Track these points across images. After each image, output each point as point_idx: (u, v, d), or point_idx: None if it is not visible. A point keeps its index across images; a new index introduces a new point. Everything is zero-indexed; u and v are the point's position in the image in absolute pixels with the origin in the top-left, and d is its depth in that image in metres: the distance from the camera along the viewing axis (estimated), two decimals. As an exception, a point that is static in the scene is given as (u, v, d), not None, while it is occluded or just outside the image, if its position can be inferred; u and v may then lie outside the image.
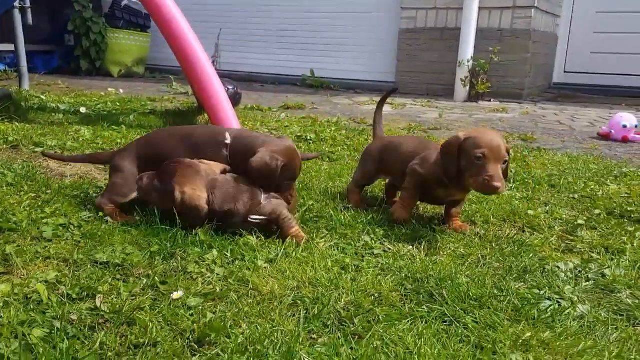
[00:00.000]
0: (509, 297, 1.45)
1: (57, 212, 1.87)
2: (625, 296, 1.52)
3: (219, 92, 3.50)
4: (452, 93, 6.14)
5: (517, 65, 5.99)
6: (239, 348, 1.16)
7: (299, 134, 3.56)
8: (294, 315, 1.32)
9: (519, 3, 5.85)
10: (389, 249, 1.77)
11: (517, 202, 2.33)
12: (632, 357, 1.22)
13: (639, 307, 1.45)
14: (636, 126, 3.82)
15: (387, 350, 1.20)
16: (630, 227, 2.06)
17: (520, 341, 1.25)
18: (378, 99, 5.84)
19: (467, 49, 5.97)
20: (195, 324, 1.24)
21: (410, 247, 1.79)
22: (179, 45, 3.44)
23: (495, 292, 1.48)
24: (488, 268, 1.66)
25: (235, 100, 4.26)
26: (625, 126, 3.78)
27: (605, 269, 1.69)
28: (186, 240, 1.68)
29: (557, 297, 1.49)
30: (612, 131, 3.84)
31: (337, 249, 1.74)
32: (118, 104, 4.54)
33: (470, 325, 1.32)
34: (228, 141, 1.97)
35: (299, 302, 1.38)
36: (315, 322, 1.29)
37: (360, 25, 6.96)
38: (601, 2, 6.60)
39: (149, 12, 3.43)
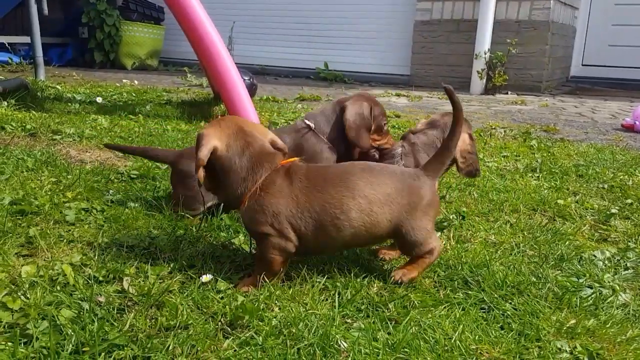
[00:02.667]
0: (548, 285, 1.40)
1: (79, 196, 1.84)
2: (668, 285, 1.46)
3: (237, 81, 3.46)
4: (468, 86, 6.05)
5: (535, 58, 5.89)
6: (273, 331, 1.12)
7: (316, 124, 3.50)
8: (327, 300, 1.28)
9: (538, -6, 5.75)
10: (418, 235, 1.72)
11: (545, 191, 2.27)
12: (682, 346, 1.16)
13: (684, 296, 1.39)
14: (661, 118, 3.73)
15: (425, 336, 1.15)
16: (665, 217, 1.99)
17: (564, 328, 1.20)
18: (393, 91, 5.83)
19: (484, 41, 5.87)
20: (226, 307, 1.20)
21: (439, 233, 1.74)
22: (196, 33, 3.40)
23: (533, 279, 1.43)
24: (522, 256, 1.60)
25: (251, 91, 4.22)
26: (650, 117, 3.69)
27: (644, 257, 1.63)
28: (212, 225, 1.65)
29: (598, 285, 1.43)
30: (637, 122, 3.75)
31: (365, 235, 1.69)
32: (134, 95, 4.51)
33: (510, 312, 1.27)
34: (310, 123, 1.85)
35: (331, 286, 1.34)
36: (348, 306, 1.25)
37: (375, 17, 6.88)
38: (620, -7, 6.49)
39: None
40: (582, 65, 6.99)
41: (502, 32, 5.89)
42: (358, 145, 1.85)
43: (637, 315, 1.29)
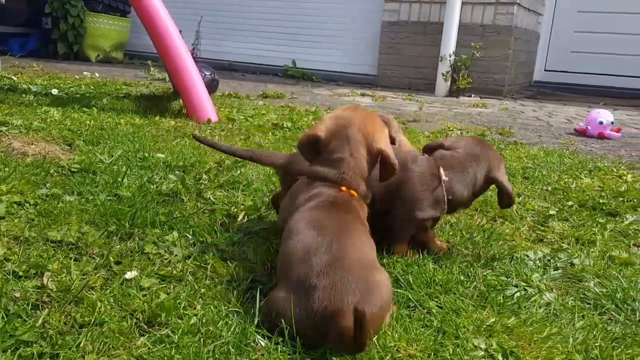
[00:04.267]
0: (474, 283, 1.42)
1: (13, 189, 1.79)
2: (592, 285, 1.49)
3: (194, 76, 3.43)
4: (434, 87, 6.12)
5: (498, 62, 5.99)
6: (191, 329, 1.11)
7: (275, 122, 3.49)
8: (252, 297, 1.27)
9: (502, -1, 5.85)
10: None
11: (489, 192, 2.30)
12: (597, 344, 1.20)
13: (606, 296, 1.43)
14: (612, 122, 3.83)
15: (346, 334, 1.15)
16: (601, 219, 2.05)
17: (484, 326, 1.22)
18: (359, 91, 5.85)
19: (449, 44, 5.95)
20: (146, 304, 1.18)
21: (379, 233, 1.75)
22: (153, 26, 3.36)
23: (462, 278, 1.45)
24: (457, 255, 1.62)
25: (212, 86, 4.18)
26: (601, 122, 3.78)
27: (574, 258, 1.66)
28: (146, 221, 1.62)
29: (524, 284, 1.46)
30: (589, 127, 3.85)
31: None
32: (92, 88, 4.42)
33: (434, 310, 1.28)
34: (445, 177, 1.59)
35: (258, 283, 1.33)
36: (273, 304, 1.24)
37: (343, 17, 6.90)
38: (583, 1, 6.63)
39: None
40: (545, 70, 7.14)
41: (467, 35, 5.97)
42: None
43: (557, 314, 1.32)
